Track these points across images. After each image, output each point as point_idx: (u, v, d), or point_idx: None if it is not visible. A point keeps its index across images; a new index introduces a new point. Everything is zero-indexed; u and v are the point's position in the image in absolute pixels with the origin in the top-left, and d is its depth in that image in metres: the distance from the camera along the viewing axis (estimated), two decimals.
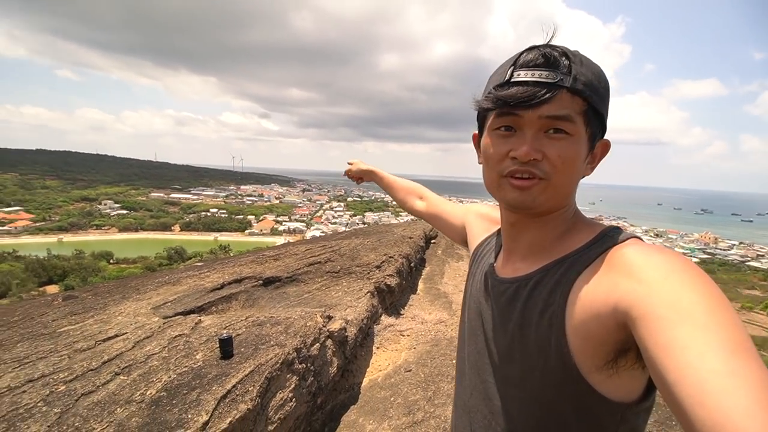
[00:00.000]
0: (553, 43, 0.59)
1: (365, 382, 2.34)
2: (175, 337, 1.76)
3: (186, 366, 1.51)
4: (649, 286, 0.47)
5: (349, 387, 2.26)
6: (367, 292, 2.81)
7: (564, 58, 0.57)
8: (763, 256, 59.98)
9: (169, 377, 1.42)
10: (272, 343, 1.74)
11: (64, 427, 1.16)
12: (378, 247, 3.85)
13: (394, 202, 1.45)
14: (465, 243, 0.97)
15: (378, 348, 2.67)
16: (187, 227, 74.10)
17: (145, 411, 1.24)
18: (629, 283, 0.49)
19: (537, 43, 0.59)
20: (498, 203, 0.69)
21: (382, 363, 2.54)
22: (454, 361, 1.43)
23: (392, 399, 2.14)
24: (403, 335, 2.84)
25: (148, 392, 1.33)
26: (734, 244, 70.43)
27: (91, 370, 1.46)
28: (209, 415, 1.24)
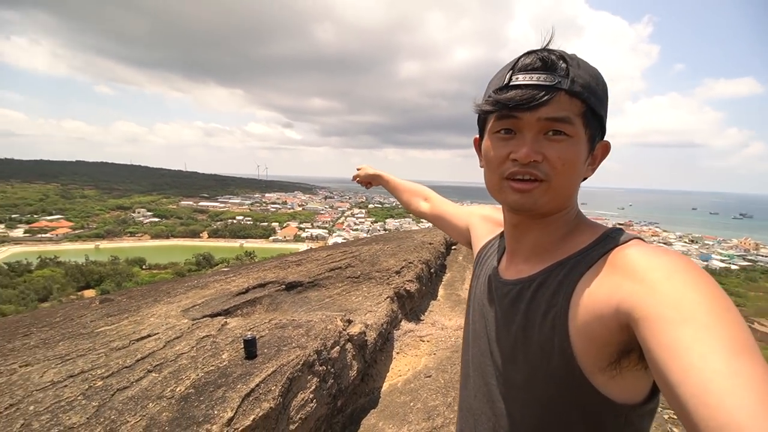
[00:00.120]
0: (551, 47, 0.60)
1: (385, 386, 2.36)
2: (203, 337, 1.84)
3: (213, 365, 1.58)
4: (651, 287, 0.47)
5: (369, 391, 2.29)
6: (387, 297, 2.83)
7: (561, 62, 0.58)
8: None
9: (197, 375, 1.49)
10: (294, 345, 1.79)
11: (101, 419, 1.24)
12: (397, 252, 3.87)
13: None
14: (469, 245, 0.98)
15: (398, 353, 2.69)
16: (214, 234, 76.37)
17: (174, 406, 1.31)
18: (631, 284, 0.49)
19: (535, 48, 0.60)
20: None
21: (402, 368, 2.55)
22: None
23: (412, 404, 2.14)
24: (423, 341, 2.84)
25: (178, 389, 1.40)
26: None
27: (126, 367, 1.55)
28: (234, 411, 1.29)
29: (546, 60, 0.57)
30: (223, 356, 1.66)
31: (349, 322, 2.25)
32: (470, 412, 0.74)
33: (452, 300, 3.75)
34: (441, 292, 4.00)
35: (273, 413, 1.39)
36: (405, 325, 2.98)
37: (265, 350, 1.72)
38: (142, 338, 1.84)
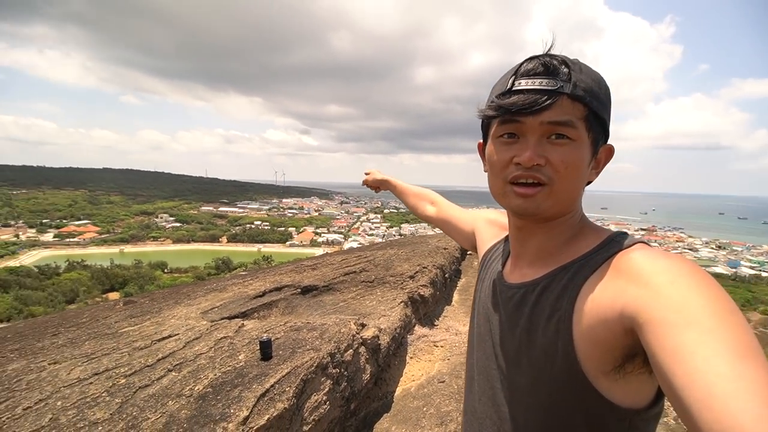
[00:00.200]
0: (553, 52, 0.60)
1: (398, 391, 2.36)
2: (221, 339, 1.89)
3: (229, 365, 1.62)
4: (655, 290, 0.47)
5: (382, 395, 2.29)
6: (401, 302, 2.84)
7: (563, 66, 0.58)
8: None
9: (215, 375, 1.54)
10: (308, 347, 1.82)
11: (124, 416, 1.29)
12: (412, 257, 3.87)
13: None
14: (475, 249, 0.98)
15: (411, 358, 2.69)
16: (233, 239, 77.89)
17: (193, 404, 1.36)
18: (636, 288, 0.49)
19: (537, 53, 0.60)
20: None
21: (415, 373, 2.55)
22: None
23: (425, 409, 2.14)
24: (437, 346, 2.84)
25: (196, 388, 1.45)
26: None
27: (147, 366, 1.61)
28: (249, 411, 1.32)
29: (548, 65, 0.58)
30: (240, 357, 1.70)
31: (363, 325, 2.27)
32: (475, 416, 0.74)
33: (467, 305, 3.73)
34: (455, 297, 3.98)
35: (287, 414, 1.42)
36: (419, 329, 2.98)
37: (280, 352, 1.76)
38: (163, 339, 1.91)
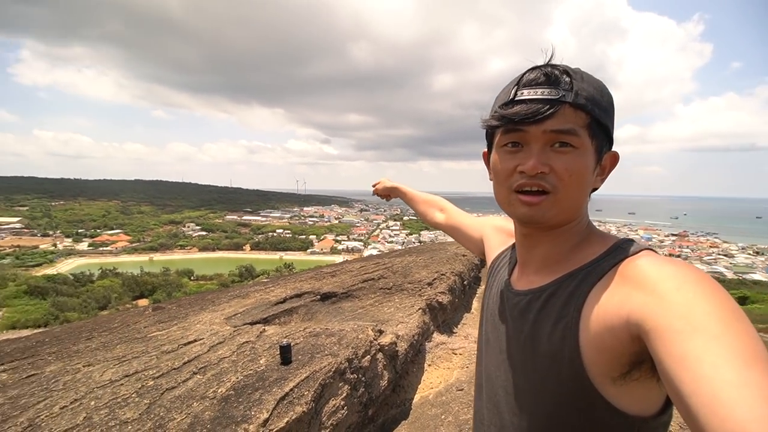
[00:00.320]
0: (555, 62, 0.62)
1: (416, 398, 2.36)
2: (243, 343, 1.95)
3: (251, 369, 1.67)
4: (661, 297, 0.47)
5: (400, 402, 2.30)
6: (419, 309, 2.84)
7: (565, 76, 0.59)
8: None
9: (237, 378, 1.59)
10: (326, 352, 1.85)
11: (152, 416, 1.36)
12: (430, 264, 3.87)
13: None
14: (483, 255, 0.98)
15: (430, 365, 2.68)
16: (256, 247, 79.48)
17: (216, 406, 1.41)
18: (642, 296, 0.49)
19: (539, 63, 0.62)
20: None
21: (433, 380, 2.54)
22: None
23: (443, 417, 2.13)
24: (456, 353, 2.82)
25: (219, 390, 1.50)
26: None
27: (174, 369, 1.68)
28: (269, 413, 1.37)
29: (549, 75, 0.59)
30: (261, 361, 1.75)
31: (381, 332, 2.29)
32: (482, 423, 0.75)
33: None
34: (475, 304, 3.94)
35: (305, 417, 1.45)
36: (437, 337, 2.97)
37: (300, 357, 1.80)
38: (189, 343, 1.98)
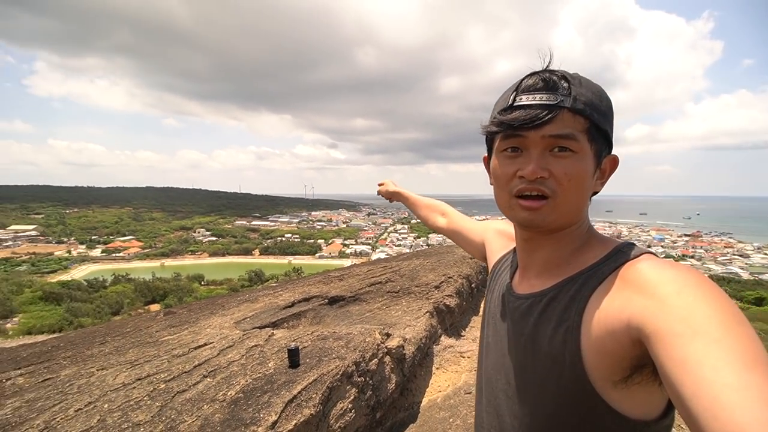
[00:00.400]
0: (553, 68, 0.62)
1: (424, 401, 2.36)
2: (252, 347, 1.98)
3: (260, 372, 1.69)
4: (662, 301, 0.47)
5: (408, 406, 2.30)
6: (426, 312, 2.84)
7: (563, 81, 0.60)
8: None
9: (246, 381, 1.61)
10: (334, 355, 1.87)
11: (163, 418, 1.39)
12: (437, 267, 3.87)
13: None
14: (485, 259, 0.98)
15: (438, 368, 2.68)
16: (265, 251, 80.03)
17: (225, 409, 1.43)
18: (642, 299, 0.49)
19: (537, 69, 0.63)
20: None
21: (441, 384, 2.54)
22: None
23: (451, 420, 2.12)
24: (464, 357, 2.81)
25: (229, 393, 1.53)
26: None
27: (185, 372, 1.71)
28: (278, 416, 1.38)
29: (548, 80, 0.60)
30: (269, 365, 1.77)
31: (388, 335, 2.29)
32: (482, 426, 0.75)
33: None
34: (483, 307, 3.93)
35: (313, 420, 1.47)
36: (445, 340, 2.96)
37: (307, 360, 1.82)
38: (199, 347, 2.02)
